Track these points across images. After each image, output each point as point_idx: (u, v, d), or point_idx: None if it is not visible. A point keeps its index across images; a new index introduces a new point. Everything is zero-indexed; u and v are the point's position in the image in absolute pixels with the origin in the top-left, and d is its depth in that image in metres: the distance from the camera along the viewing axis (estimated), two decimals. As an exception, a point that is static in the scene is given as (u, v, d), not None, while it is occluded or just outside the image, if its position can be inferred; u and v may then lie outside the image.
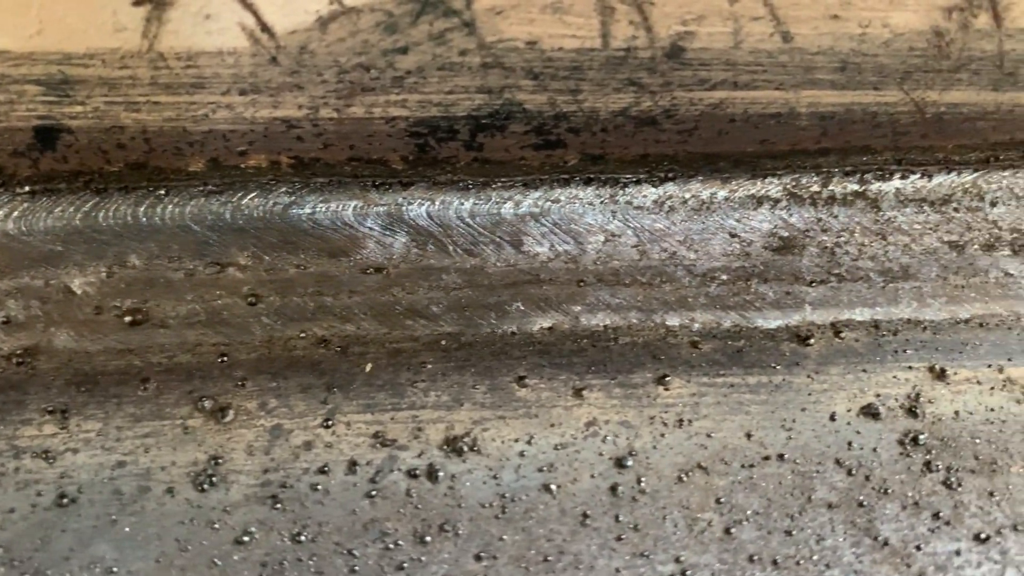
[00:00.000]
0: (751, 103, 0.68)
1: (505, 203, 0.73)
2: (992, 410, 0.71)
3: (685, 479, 0.66)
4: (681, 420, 0.69)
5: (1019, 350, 0.74)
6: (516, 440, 0.67)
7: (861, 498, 0.66)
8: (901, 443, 0.69)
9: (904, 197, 0.77)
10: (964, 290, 0.77)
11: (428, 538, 0.63)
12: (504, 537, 0.63)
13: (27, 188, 0.69)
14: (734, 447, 0.68)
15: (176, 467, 0.65)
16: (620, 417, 0.69)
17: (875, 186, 0.76)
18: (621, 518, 0.64)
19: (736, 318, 0.75)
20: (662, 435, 0.68)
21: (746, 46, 0.63)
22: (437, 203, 0.73)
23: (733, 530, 0.64)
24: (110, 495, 0.63)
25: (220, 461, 0.65)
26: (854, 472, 0.67)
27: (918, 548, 0.64)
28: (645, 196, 0.74)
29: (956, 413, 0.70)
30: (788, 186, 0.75)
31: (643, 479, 0.66)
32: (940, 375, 0.72)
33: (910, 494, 0.66)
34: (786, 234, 0.76)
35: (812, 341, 0.74)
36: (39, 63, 0.60)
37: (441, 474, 0.65)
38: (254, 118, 0.65)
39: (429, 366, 0.71)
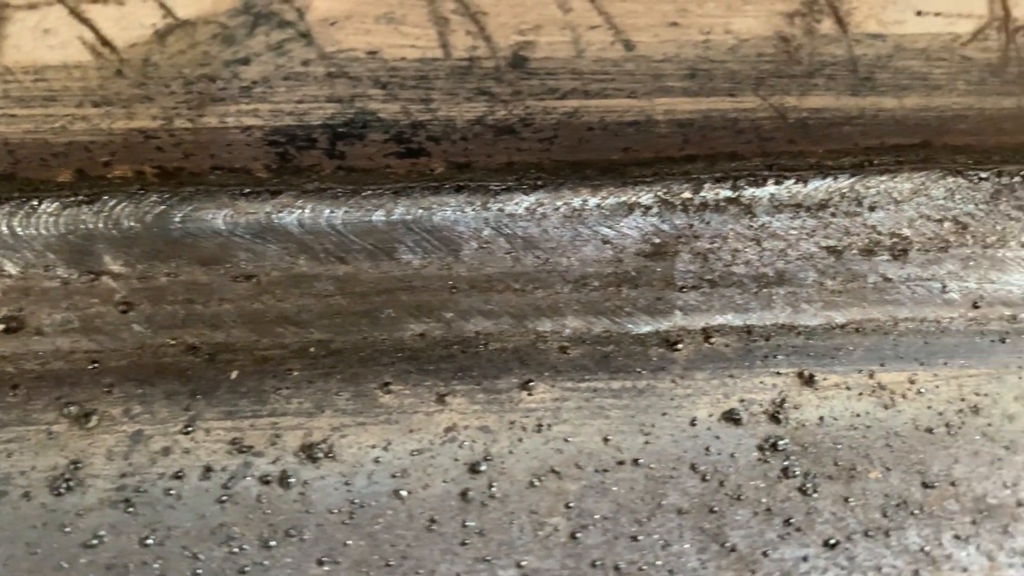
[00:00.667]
0: (606, 111, 0.68)
1: (376, 211, 0.74)
2: (858, 416, 0.71)
3: (537, 484, 0.66)
4: (540, 425, 0.69)
5: (893, 355, 0.74)
6: (373, 446, 0.68)
7: (713, 504, 0.66)
8: (760, 449, 0.68)
9: (779, 202, 0.77)
10: (841, 295, 0.77)
11: (273, 543, 0.63)
12: (349, 542, 0.64)
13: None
14: (590, 452, 0.68)
15: (36, 471, 0.66)
16: (480, 423, 0.69)
17: (748, 192, 0.76)
18: (468, 523, 0.65)
19: (607, 323, 0.75)
20: (520, 440, 0.68)
21: (589, 55, 0.64)
22: (307, 211, 0.74)
23: (579, 535, 0.64)
24: (-33, 500, 0.64)
25: (79, 466, 0.66)
26: (708, 478, 0.67)
27: (765, 554, 0.64)
28: (517, 203, 0.75)
29: (821, 419, 0.70)
30: (659, 193, 0.76)
31: (495, 484, 0.66)
32: (808, 381, 0.72)
33: (763, 500, 0.66)
34: (658, 240, 0.76)
35: (681, 346, 0.74)
36: None
37: (293, 480, 0.66)
38: (111, 129, 0.66)
39: (295, 373, 0.72)
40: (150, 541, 0.63)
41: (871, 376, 0.73)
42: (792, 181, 0.77)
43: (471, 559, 0.63)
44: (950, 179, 0.78)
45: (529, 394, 0.71)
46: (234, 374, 0.71)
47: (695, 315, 0.76)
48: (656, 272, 0.76)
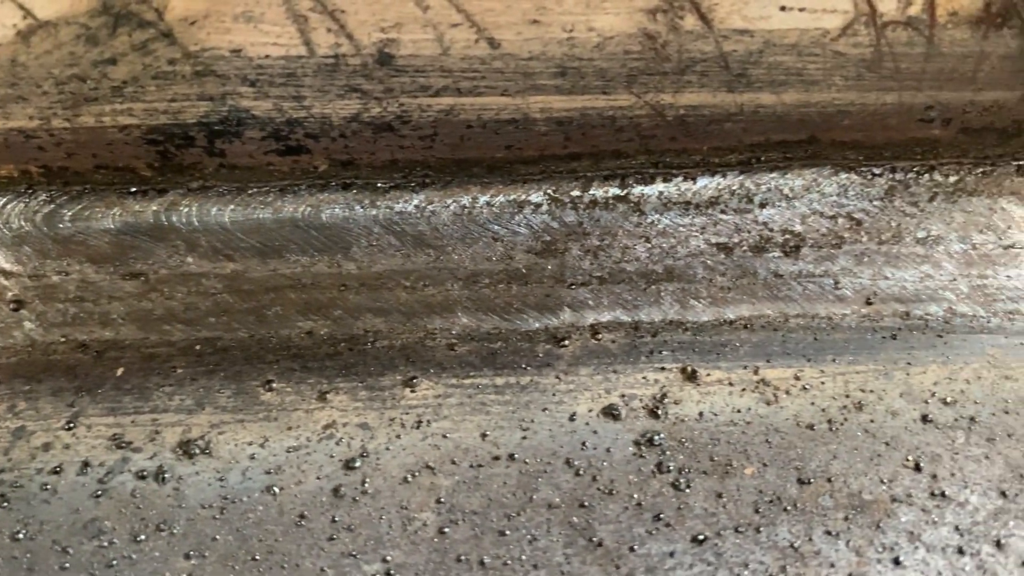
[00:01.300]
0: (482, 109, 0.69)
1: (263, 209, 0.75)
2: (739, 412, 0.71)
3: (411, 480, 0.67)
4: (420, 421, 0.70)
5: (780, 352, 0.74)
6: (250, 443, 0.68)
7: (584, 499, 0.66)
8: (637, 444, 0.69)
9: (668, 200, 0.77)
10: (730, 292, 0.77)
11: (143, 537, 0.64)
12: (217, 537, 0.64)
13: None
14: (467, 448, 0.68)
15: (-83, 468, 0.67)
16: (360, 419, 0.70)
17: (638, 190, 0.77)
18: (337, 519, 0.65)
19: (497, 320, 0.75)
20: (398, 436, 0.69)
21: (455, 53, 0.64)
22: (194, 210, 0.74)
23: (447, 530, 0.65)
24: None
25: (-41, 462, 0.67)
26: (582, 473, 0.67)
27: (632, 549, 0.64)
28: (406, 201, 0.75)
29: (700, 414, 0.70)
30: (549, 191, 0.76)
31: (368, 480, 0.67)
32: (691, 376, 0.72)
33: (635, 495, 0.66)
34: (548, 238, 0.77)
35: (567, 343, 0.74)
36: None
37: (168, 476, 0.67)
38: (-10, 129, 0.67)
39: (179, 370, 0.72)
40: (21, 536, 0.64)
41: (756, 372, 0.73)
42: (681, 179, 0.77)
43: (337, 554, 0.64)
44: (843, 175, 0.78)
45: (412, 391, 0.71)
46: (120, 371, 0.72)
47: (584, 312, 0.76)
48: (546, 269, 0.76)
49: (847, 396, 0.72)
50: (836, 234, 0.78)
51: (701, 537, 0.64)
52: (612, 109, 0.69)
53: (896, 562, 0.63)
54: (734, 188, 0.77)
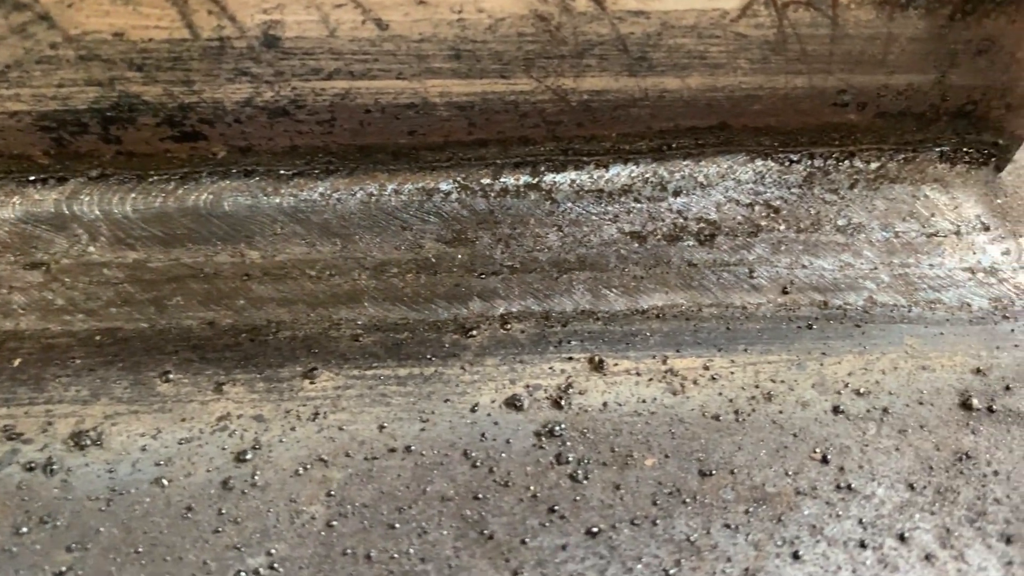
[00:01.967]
0: (379, 93, 0.67)
1: (164, 197, 0.73)
2: (644, 402, 0.69)
3: (302, 472, 0.65)
4: (317, 414, 0.68)
5: (692, 341, 0.73)
6: (142, 435, 0.67)
7: (479, 491, 0.64)
8: (538, 435, 0.67)
9: (581, 188, 0.75)
10: (643, 281, 0.75)
11: (25, 529, 0.63)
12: (101, 529, 0.63)
13: None
14: (363, 440, 0.67)
15: None
16: (255, 411, 0.68)
17: (549, 177, 0.75)
18: (224, 511, 0.64)
19: (404, 311, 0.74)
20: (293, 429, 0.67)
21: (343, 34, 0.63)
22: (96, 198, 0.73)
23: (335, 523, 0.63)
24: None
25: None
26: (479, 465, 0.66)
27: (523, 542, 0.62)
28: (311, 189, 0.74)
29: (605, 404, 0.69)
30: (458, 178, 0.74)
31: (258, 473, 0.65)
32: (598, 366, 0.71)
33: (531, 487, 0.65)
34: (458, 226, 0.75)
35: (475, 333, 0.73)
36: None
37: (57, 467, 0.65)
38: None
39: (78, 361, 0.71)
40: (-99, 529, 0.63)
41: (664, 362, 0.71)
42: (593, 166, 0.75)
43: (222, 547, 0.62)
44: (759, 162, 0.77)
45: (311, 382, 0.70)
46: (17, 362, 0.71)
47: (494, 301, 0.74)
48: (456, 259, 0.75)
49: (756, 387, 0.70)
50: (752, 222, 0.76)
51: (595, 530, 0.63)
52: (513, 94, 0.68)
53: (795, 556, 0.62)
54: (647, 176, 0.76)
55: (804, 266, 0.76)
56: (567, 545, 0.62)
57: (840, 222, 0.77)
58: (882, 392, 0.70)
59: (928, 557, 0.61)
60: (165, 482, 0.65)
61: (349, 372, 0.70)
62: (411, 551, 0.62)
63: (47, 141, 0.69)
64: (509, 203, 0.75)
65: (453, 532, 0.62)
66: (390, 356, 0.72)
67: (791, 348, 0.73)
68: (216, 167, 0.72)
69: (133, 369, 0.70)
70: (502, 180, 0.74)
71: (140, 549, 0.62)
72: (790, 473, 0.65)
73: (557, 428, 0.67)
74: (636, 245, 0.75)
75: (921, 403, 0.70)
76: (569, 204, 0.75)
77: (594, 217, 0.75)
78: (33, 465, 0.65)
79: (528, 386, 0.70)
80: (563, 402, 0.69)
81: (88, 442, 0.66)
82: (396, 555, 0.61)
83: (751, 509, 0.64)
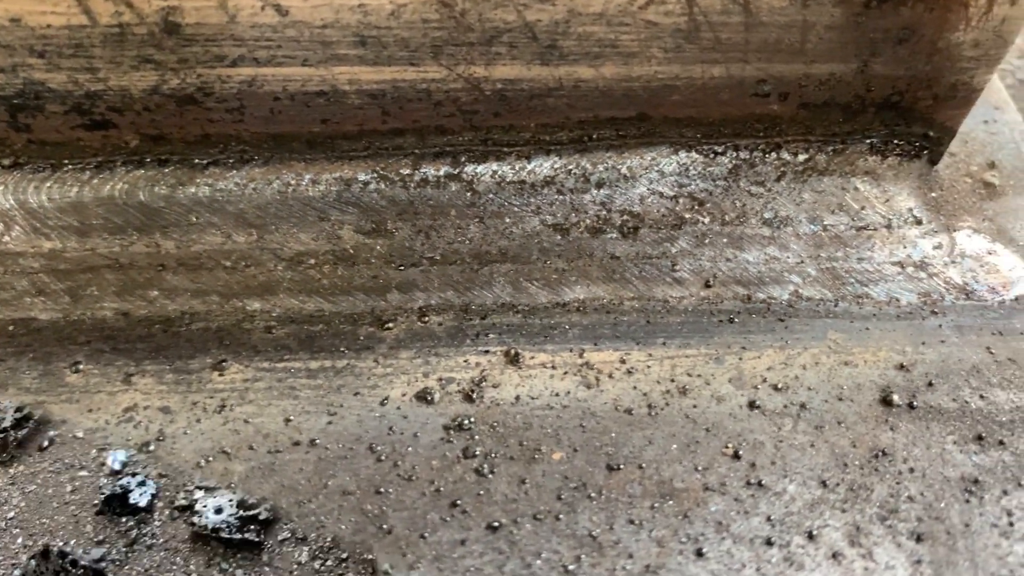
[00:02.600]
0: (286, 80, 0.66)
1: (83, 187, 0.73)
2: (557, 395, 0.68)
3: (203, 465, 0.64)
4: (223, 406, 0.67)
5: (610, 335, 0.72)
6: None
7: (381, 485, 0.64)
8: (446, 429, 0.66)
9: (502, 179, 0.74)
10: (565, 274, 0.74)
11: (-80, 521, 0.62)
12: None
13: None
14: (267, 433, 0.66)
15: None
16: (162, 403, 0.68)
17: (470, 168, 0.74)
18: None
19: (320, 302, 0.73)
20: (198, 421, 0.67)
21: (243, 20, 0.62)
22: (10, 187, 0.72)
23: (233, 516, 0.62)
24: None
25: None
26: (384, 459, 0.65)
27: (423, 537, 0.61)
28: (226, 178, 0.73)
29: (517, 398, 0.68)
30: (377, 168, 0.74)
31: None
32: (514, 360, 0.70)
33: (435, 481, 0.64)
34: (377, 217, 0.74)
35: (392, 325, 0.72)
36: None
37: (-43, 457, 0.65)
38: None
39: (-12, 351, 0.70)
40: None
41: (581, 355, 0.70)
42: (514, 157, 0.74)
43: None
44: (683, 154, 0.76)
45: (220, 374, 0.69)
46: (-74, 352, 0.70)
47: (414, 293, 0.73)
48: (375, 250, 0.74)
49: (672, 380, 0.69)
50: (677, 215, 0.75)
51: (496, 524, 0.62)
52: (425, 82, 0.67)
53: (699, 553, 0.61)
54: (570, 167, 0.75)
55: (728, 259, 0.75)
56: (466, 540, 0.61)
57: (767, 215, 0.76)
58: (801, 387, 0.69)
59: (835, 555, 0.60)
60: (65, 473, 0.64)
61: (259, 364, 0.70)
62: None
63: (-45, 129, 0.68)
64: (429, 194, 0.74)
65: (351, 526, 0.61)
66: (303, 348, 0.71)
67: (710, 342, 0.71)
68: (130, 156, 0.71)
69: (44, 359, 0.70)
70: (422, 170, 0.73)
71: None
72: (700, 468, 0.64)
73: (467, 422, 0.66)
74: (559, 237, 0.74)
75: (840, 399, 0.68)
76: (491, 195, 0.74)
77: (516, 209, 0.74)
78: (-66, 455, 0.64)
79: (441, 379, 0.69)
80: (475, 396, 0.68)
81: (-9, 433, 0.65)
82: (292, 549, 0.60)
83: (657, 505, 0.63)
